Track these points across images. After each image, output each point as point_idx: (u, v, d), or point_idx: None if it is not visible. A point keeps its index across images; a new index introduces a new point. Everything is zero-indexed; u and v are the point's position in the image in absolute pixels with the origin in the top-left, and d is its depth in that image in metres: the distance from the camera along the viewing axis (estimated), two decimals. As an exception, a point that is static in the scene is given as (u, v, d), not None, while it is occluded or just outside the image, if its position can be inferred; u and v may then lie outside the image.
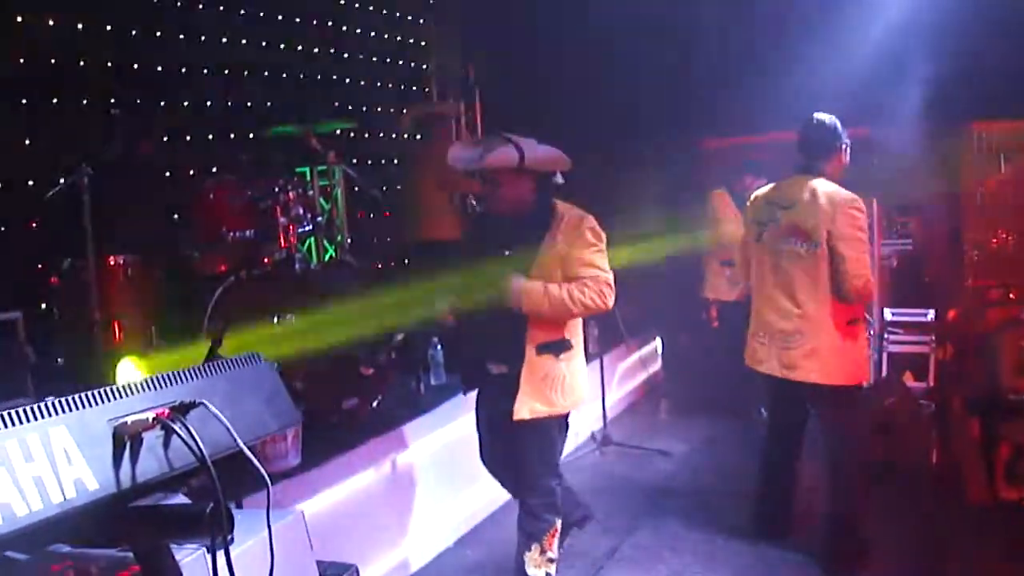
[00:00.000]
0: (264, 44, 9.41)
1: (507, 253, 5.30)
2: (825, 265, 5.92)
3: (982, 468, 7.31)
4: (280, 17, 9.78)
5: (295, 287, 6.80)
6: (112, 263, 6.62)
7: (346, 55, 10.67)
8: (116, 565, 2.60)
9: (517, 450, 5.47)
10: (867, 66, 10.51)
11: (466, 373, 5.86)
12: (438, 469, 6.73)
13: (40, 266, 6.78)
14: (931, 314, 9.99)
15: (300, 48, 9.95)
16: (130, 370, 5.77)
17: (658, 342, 12.16)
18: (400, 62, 11.65)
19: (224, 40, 8.86)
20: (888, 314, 10.32)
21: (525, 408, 5.29)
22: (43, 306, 6.75)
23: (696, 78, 11.44)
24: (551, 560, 5.51)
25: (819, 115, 6.16)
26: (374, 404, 6.83)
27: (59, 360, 5.88)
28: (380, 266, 9.32)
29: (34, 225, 7.06)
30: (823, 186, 5.97)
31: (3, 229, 6.94)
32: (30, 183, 7.06)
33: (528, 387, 5.31)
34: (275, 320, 6.46)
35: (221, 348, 3.37)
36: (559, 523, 5.56)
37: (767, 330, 6.38)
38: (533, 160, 5.23)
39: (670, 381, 11.92)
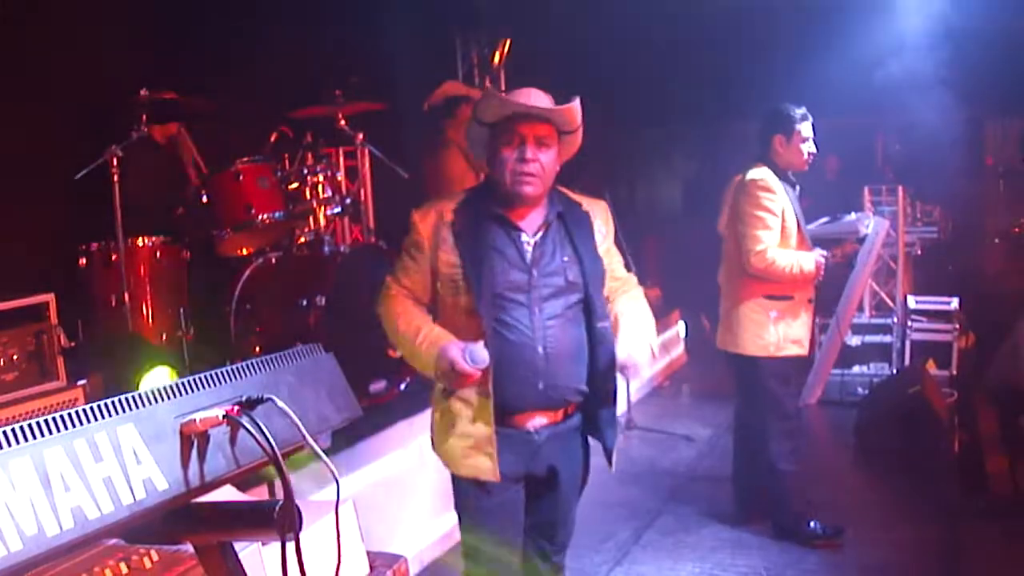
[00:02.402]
0: (292, 25, 9.35)
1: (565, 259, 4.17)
2: (735, 242, 6.37)
3: (1004, 459, 7.29)
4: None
5: (324, 269, 6.78)
6: (140, 244, 6.59)
7: (372, 36, 10.61)
8: (170, 560, 2.59)
9: None
10: (897, 54, 10.49)
11: None
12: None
13: (68, 248, 6.74)
14: (955, 302, 9.95)
15: (328, 28, 9.89)
16: (161, 378, 5.76)
17: (681, 325, 12.14)
18: (425, 43, 11.59)
19: (253, 20, 8.81)
20: (912, 302, 10.29)
21: None
22: (71, 288, 6.72)
23: (729, 59, 11.40)
24: None
25: (777, 104, 6.47)
26: (402, 387, 6.82)
27: (88, 343, 5.85)
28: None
29: (62, 207, 7.02)
30: (750, 171, 6.35)
31: (31, 211, 6.90)
32: (58, 164, 7.02)
33: None
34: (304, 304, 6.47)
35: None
36: None
37: None
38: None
39: (693, 365, 11.91)
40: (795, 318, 6.34)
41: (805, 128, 6.33)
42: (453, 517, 6.44)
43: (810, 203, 10.45)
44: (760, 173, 6.28)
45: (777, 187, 6.22)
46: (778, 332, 6.32)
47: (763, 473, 6.48)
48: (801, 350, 6.42)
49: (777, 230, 6.17)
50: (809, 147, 6.36)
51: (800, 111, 6.34)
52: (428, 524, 6.33)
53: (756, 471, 6.60)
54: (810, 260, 6.20)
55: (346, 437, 5.70)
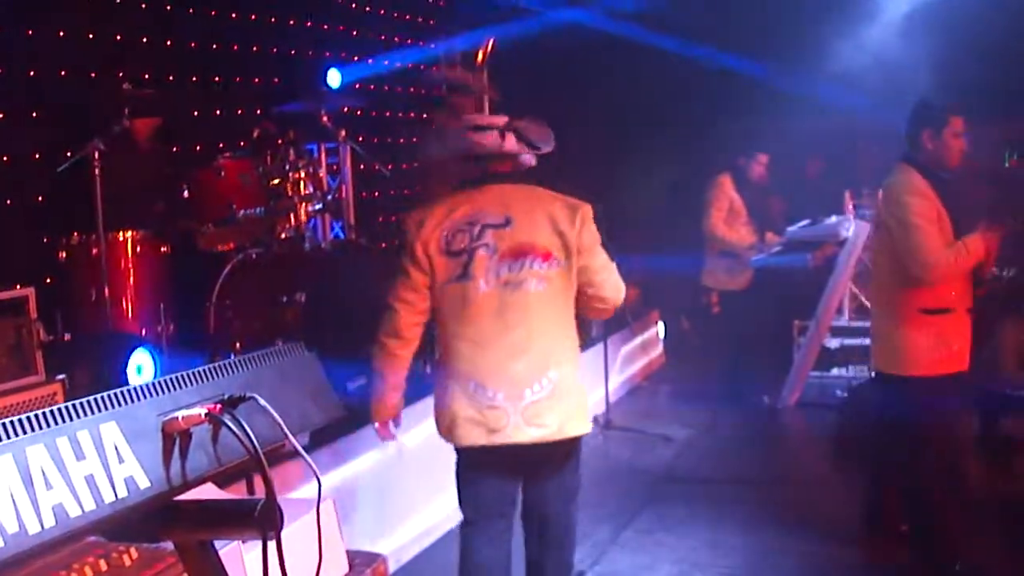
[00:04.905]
0: (273, 20, 9.34)
1: None
2: (885, 256, 5.93)
3: (981, 463, 7.29)
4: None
5: (304, 266, 6.78)
6: (121, 239, 6.57)
7: (356, 32, 10.61)
8: (150, 558, 2.59)
9: None
10: (878, 57, 10.54)
11: None
12: (443, 450, 6.69)
13: (47, 241, 6.72)
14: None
15: (309, 24, 9.89)
16: (142, 364, 5.76)
17: (660, 326, 12.18)
18: (410, 40, 11.60)
19: (234, 15, 8.79)
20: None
21: None
22: (50, 282, 6.70)
23: (712, 62, 11.43)
24: None
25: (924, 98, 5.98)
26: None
27: (67, 337, 5.83)
28: (385, 246, 9.28)
29: (42, 200, 7.00)
30: (892, 175, 5.91)
31: (11, 203, 6.88)
32: (39, 157, 7.00)
33: None
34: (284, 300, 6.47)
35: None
36: None
37: None
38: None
39: (672, 365, 11.95)
40: (956, 332, 5.75)
41: (957, 122, 5.69)
42: (432, 514, 6.49)
43: (790, 206, 10.54)
44: (903, 176, 5.74)
45: (925, 189, 5.62)
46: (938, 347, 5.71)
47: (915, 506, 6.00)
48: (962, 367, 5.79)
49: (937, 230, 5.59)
50: (961, 144, 5.71)
51: (952, 104, 5.82)
52: (407, 521, 6.33)
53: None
54: (974, 241, 5.55)
55: (326, 435, 5.69)
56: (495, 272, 4.42)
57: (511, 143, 4.53)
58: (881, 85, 10.14)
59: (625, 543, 6.61)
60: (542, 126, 4.64)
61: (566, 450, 4.72)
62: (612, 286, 4.70)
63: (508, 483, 4.71)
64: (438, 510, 6.65)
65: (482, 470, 4.65)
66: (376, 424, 4.87)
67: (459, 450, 4.65)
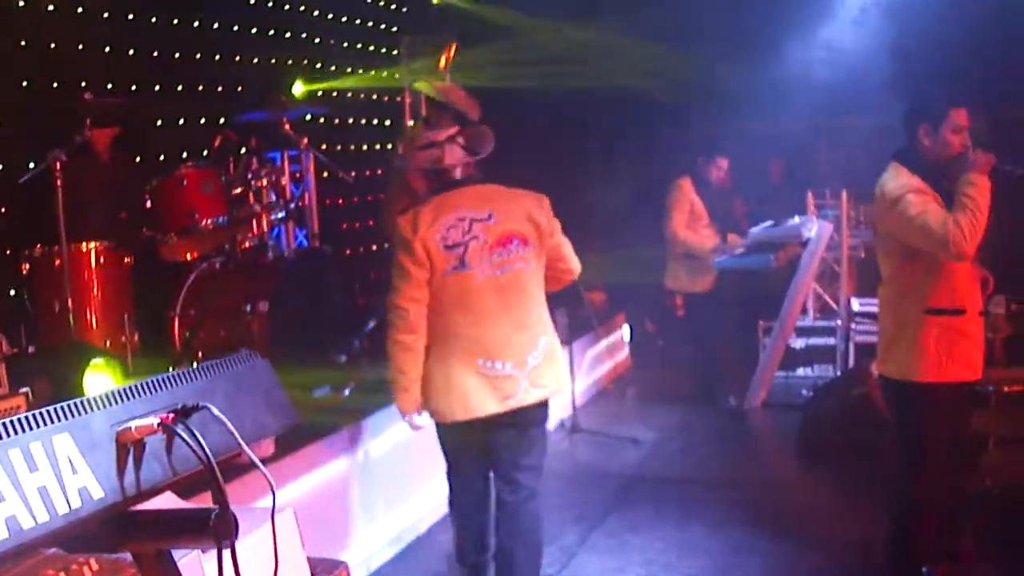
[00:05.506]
0: (236, 28, 9.33)
1: None
2: (891, 256, 5.60)
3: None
4: (253, 1, 9.71)
5: (267, 274, 6.78)
6: (84, 249, 6.56)
7: (318, 39, 10.62)
8: (110, 569, 2.59)
9: None
10: (840, 56, 10.61)
11: None
12: (411, 457, 6.71)
13: (10, 253, 6.70)
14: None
15: (273, 32, 9.89)
16: (101, 379, 5.73)
17: (626, 329, 12.20)
18: (372, 47, 11.61)
19: (197, 24, 8.79)
20: (856, 304, 10.39)
21: None
22: (12, 293, 6.68)
23: (673, 62, 11.47)
24: None
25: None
26: (346, 392, 6.81)
27: (30, 349, 5.81)
28: (349, 252, 9.29)
29: (4, 211, 6.97)
30: (883, 175, 5.54)
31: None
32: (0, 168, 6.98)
33: None
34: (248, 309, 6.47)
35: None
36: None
37: None
38: None
39: (638, 368, 11.98)
40: (966, 335, 5.35)
41: (957, 115, 5.27)
42: (400, 521, 6.50)
43: (753, 207, 10.60)
44: (895, 178, 5.35)
45: (920, 185, 5.23)
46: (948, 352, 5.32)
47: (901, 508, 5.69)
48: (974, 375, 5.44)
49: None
50: (962, 140, 5.27)
51: (952, 95, 5.40)
52: (375, 529, 6.33)
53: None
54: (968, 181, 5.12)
55: (291, 443, 5.68)
56: (488, 259, 5.02)
57: (451, 155, 5.13)
58: (841, 83, 10.22)
59: (593, 546, 6.62)
60: (483, 134, 5.27)
61: (545, 407, 5.36)
62: (574, 259, 5.46)
63: (486, 440, 5.27)
64: (406, 516, 6.67)
65: (465, 433, 5.21)
66: (408, 418, 5.25)
67: (453, 425, 5.15)
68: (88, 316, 6.56)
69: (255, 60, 9.53)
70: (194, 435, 1.96)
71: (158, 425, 1.98)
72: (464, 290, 5.02)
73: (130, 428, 1.97)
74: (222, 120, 8.51)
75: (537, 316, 5.19)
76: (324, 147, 9.17)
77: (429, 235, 4.98)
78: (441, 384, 5.08)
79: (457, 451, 5.37)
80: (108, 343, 6.57)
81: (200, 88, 8.78)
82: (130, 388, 2.08)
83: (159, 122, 8.37)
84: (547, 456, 5.48)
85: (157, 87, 8.37)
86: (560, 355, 5.33)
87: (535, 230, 5.15)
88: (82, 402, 1.96)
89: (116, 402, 2.03)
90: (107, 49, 7.94)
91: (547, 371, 5.16)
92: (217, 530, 1.98)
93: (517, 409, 5.08)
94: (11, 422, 1.83)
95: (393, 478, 6.52)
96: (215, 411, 2.04)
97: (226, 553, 1.98)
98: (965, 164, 5.17)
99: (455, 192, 5.13)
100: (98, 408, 1.98)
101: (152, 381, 2.12)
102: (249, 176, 7.04)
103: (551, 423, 8.45)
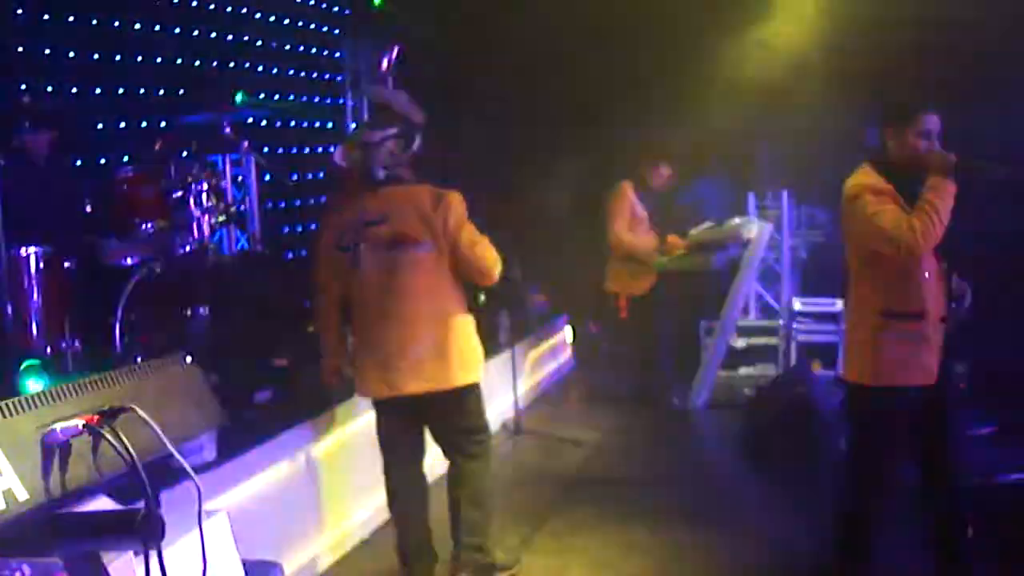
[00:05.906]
0: (177, 31, 9.29)
1: None
2: (856, 261, 5.57)
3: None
4: (194, 3, 9.67)
5: (207, 279, 6.75)
6: (23, 254, 6.48)
7: (260, 42, 10.58)
8: (41, 573, 2.58)
9: None
10: (779, 57, 10.67)
11: None
12: (354, 460, 6.70)
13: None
14: (839, 303, 10.11)
15: (214, 35, 9.85)
16: (36, 384, 5.68)
17: (568, 331, 12.23)
18: (314, 49, 11.58)
19: (138, 27, 8.73)
20: (797, 304, 10.49)
21: None
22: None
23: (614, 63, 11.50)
24: None
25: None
26: (288, 396, 6.79)
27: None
28: (291, 256, 9.27)
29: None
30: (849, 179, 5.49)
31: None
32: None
33: None
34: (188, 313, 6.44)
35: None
36: None
37: None
38: None
39: (580, 370, 12.01)
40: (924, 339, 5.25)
41: (923, 120, 5.19)
42: (345, 524, 6.48)
43: (693, 209, 10.65)
44: (856, 176, 5.34)
45: (882, 185, 5.19)
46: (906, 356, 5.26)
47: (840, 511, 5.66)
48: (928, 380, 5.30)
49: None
50: (930, 143, 5.18)
51: (919, 101, 5.31)
52: (319, 532, 6.32)
53: None
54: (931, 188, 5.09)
55: (234, 446, 5.66)
56: (376, 260, 5.46)
57: (375, 158, 5.53)
58: (780, 83, 10.29)
59: (537, 547, 6.62)
60: (415, 136, 5.63)
61: (455, 397, 5.67)
62: (482, 256, 5.62)
63: (408, 426, 5.84)
64: (351, 518, 6.66)
65: (384, 416, 5.84)
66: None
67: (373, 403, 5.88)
68: (28, 321, 6.49)
69: (196, 63, 9.48)
70: (119, 436, 1.96)
71: (83, 427, 1.98)
72: (360, 287, 5.55)
73: (55, 430, 1.97)
74: (162, 123, 8.47)
75: (428, 313, 5.53)
76: (265, 150, 9.15)
77: (329, 236, 5.61)
78: (358, 365, 5.76)
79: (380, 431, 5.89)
80: (49, 349, 6.50)
81: (140, 91, 8.72)
82: (56, 390, 2.08)
83: (99, 125, 8.30)
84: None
85: (97, 90, 8.30)
86: (457, 352, 5.59)
87: (428, 230, 5.47)
88: (7, 404, 1.95)
89: (43, 404, 2.03)
90: (46, 52, 7.88)
91: (432, 366, 5.52)
92: (144, 531, 1.98)
93: (408, 396, 5.55)
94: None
95: (337, 480, 6.50)
96: (140, 412, 2.04)
97: (152, 555, 1.98)
98: (926, 167, 5.21)
99: (368, 195, 5.55)
100: (24, 410, 1.98)
101: (79, 384, 2.12)
102: (189, 180, 6.98)
103: (493, 425, 8.51)
